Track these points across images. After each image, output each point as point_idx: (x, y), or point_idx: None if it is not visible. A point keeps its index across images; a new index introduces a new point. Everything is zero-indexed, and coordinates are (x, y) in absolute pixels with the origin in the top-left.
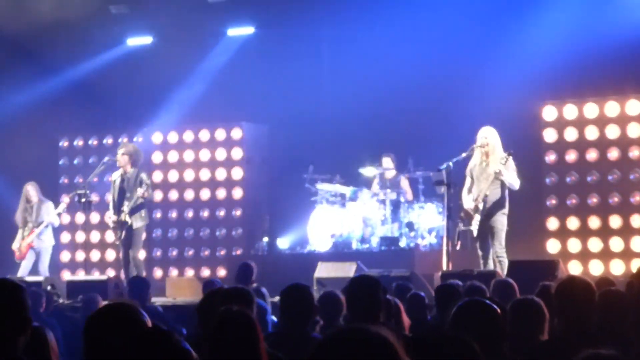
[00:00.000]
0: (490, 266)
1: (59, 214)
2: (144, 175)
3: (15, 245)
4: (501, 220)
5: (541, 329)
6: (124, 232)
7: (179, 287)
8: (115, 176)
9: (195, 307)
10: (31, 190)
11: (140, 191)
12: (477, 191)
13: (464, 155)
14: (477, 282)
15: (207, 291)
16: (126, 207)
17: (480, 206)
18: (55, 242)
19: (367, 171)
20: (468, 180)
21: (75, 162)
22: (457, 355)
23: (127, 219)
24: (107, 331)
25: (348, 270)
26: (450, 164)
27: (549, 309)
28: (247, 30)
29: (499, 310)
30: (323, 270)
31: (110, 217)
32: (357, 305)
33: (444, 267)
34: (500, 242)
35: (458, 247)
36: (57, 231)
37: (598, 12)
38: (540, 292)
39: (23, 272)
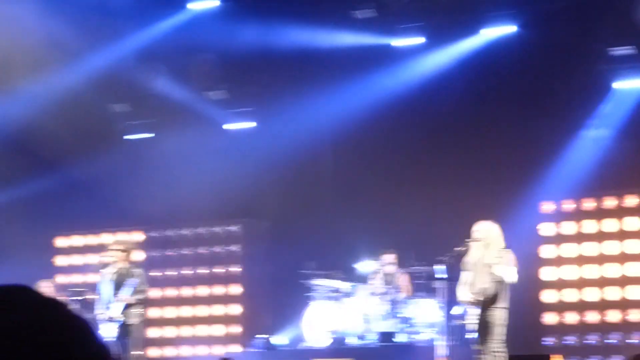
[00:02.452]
0: None
1: None
2: (138, 271)
3: None
4: (498, 315)
5: None
6: (118, 330)
7: None
8: (109, 271)
9: None
10: (47, 289)
11: (127, 297)
12: (474, 285)
13: (460, 248)
14: None
15: None
16: (118, 302)
17: (477, 300)
18: None
19: (365, 266)
20: (465, 274)
21: (72, 260)
22: None
23: (120, 315)
24: None
25: None
26: (448, 257)
27: None
28: (248, 124)
29: None
30: None
31: (102, 313)
32: None
33: None
34: (497, 336)
35: (456, 342)
36: None
37: None
38: None
39: None
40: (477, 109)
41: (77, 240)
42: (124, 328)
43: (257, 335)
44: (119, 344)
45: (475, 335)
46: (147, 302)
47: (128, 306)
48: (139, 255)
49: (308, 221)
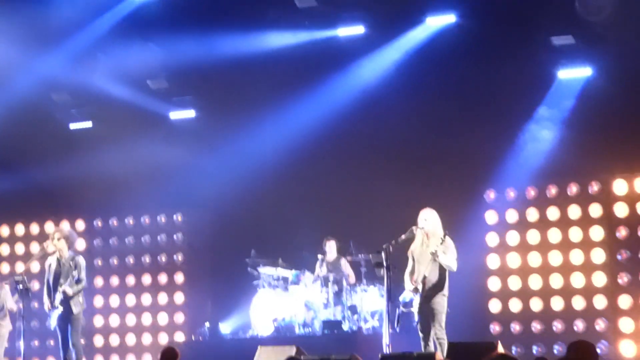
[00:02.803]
0: (431, 348)
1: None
2: (79, 259)
3: None
4: (440, 302)
5: None
6: (59, 319)
7: None
8: (51, 260)
9: None
10: None
11: (67, 289)
12: (417, 272)
13: (403, 237)
14: None
15: None
16: (61, 292)
17: (420, 287)
18: None
19: (307, 254)
20: (410, 262)
21: (15, 249)
22: None
23: (60, 305)
24: None
25: (288, 354)
26: (390, 245)
27: None
28: (189, 113)
29: None
30: (263, 355)
31: (45, 303)
32: None
33: (384, 350)
34: (440, 323)
35: (398, 330)
36: None
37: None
38: None
39: None
40: (420, 99)
41: (20, 228)
42: (65, 317)
43: (202, 324)
44: (60, 333)
45: (417, 323)
46: (91, 291)
47: (69, 295)
48: (81, 244)
49: (250, 210)
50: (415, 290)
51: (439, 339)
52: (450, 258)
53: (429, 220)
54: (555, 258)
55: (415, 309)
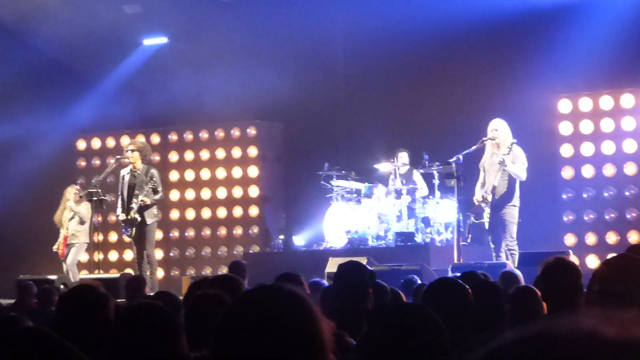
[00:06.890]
0: (502, 258)
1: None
2: (154, 171)
3: (55, 246)
4: (511, 213)
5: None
6: (135, 230)
7: None
8: (124, 172)
9: None
10: (71, 191)
11: (145, 199)
12: (487, 183)
13: (474, 148)
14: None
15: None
16: (135, 204)
17: (490, 198)
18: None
19: (383, 167)
20: (481, 174)
21: (93, 162)
22: (414, 321)
23: (137, 216)
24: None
25: None
26: (460, 156)
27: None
28: (161, 39)
29: (469, 290)
30: (334, 266)
31: (119, 214)
32: (342, 290)
33: (455, 261)
34: (511, 234)
35: (469, 241)
36: None
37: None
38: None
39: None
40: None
41: (96, 142)
42: (140, 229)
43: (276, 236)
44: (136, 245)
45: (489, 234)
46: (167, 204)
47: (144, 207)
48: (156, 157)
49: (322, 123)
50: (485, 201)
51: (510, 249)
52: (518, 167)
53: (499, 130)
54: (630, 169)
55: (486, 219)
